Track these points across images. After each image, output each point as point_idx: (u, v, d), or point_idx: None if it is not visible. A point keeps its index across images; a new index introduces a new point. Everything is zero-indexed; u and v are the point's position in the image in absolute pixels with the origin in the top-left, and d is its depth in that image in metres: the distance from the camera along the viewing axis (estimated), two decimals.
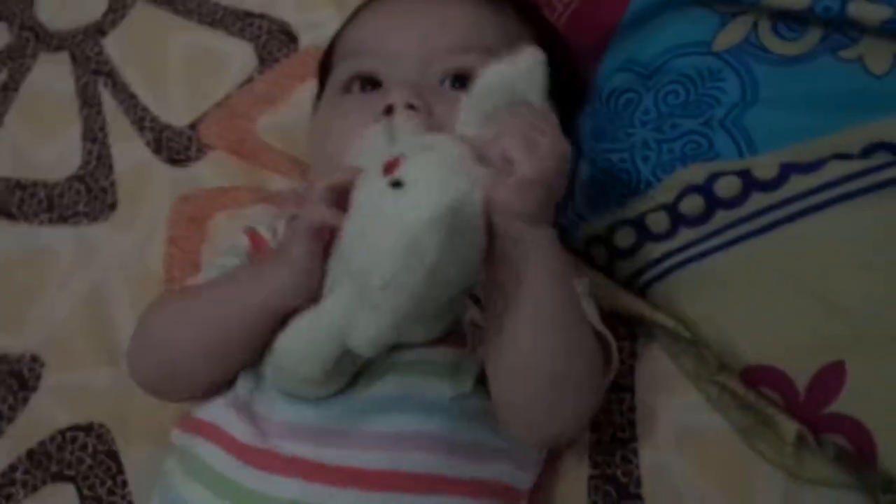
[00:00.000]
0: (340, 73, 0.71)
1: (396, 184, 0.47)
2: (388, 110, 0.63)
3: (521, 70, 0.53)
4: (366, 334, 0.49)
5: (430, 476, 0.56)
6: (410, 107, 0.62)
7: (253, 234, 0.69)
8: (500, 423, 0.58)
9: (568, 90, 0.73)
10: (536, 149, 0.51)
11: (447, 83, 0.66)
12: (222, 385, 0.61)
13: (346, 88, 0.69)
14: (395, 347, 0.56)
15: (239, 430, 0.57)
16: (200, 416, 0.61)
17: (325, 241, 0.54)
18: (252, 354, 0.59)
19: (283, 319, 0.55)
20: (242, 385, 0.60)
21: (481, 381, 0.58)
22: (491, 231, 0.51)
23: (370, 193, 0.49)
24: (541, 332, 0.54)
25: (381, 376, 0.57)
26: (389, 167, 0.49)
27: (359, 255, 0.48)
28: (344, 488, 0.54)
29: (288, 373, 0.54)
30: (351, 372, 0.56)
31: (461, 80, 0.65)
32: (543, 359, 0.55)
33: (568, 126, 0.69)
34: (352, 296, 0.49)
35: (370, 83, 0.68)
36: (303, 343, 0.52)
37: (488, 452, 0.59)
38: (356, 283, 0.49)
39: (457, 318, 0.57)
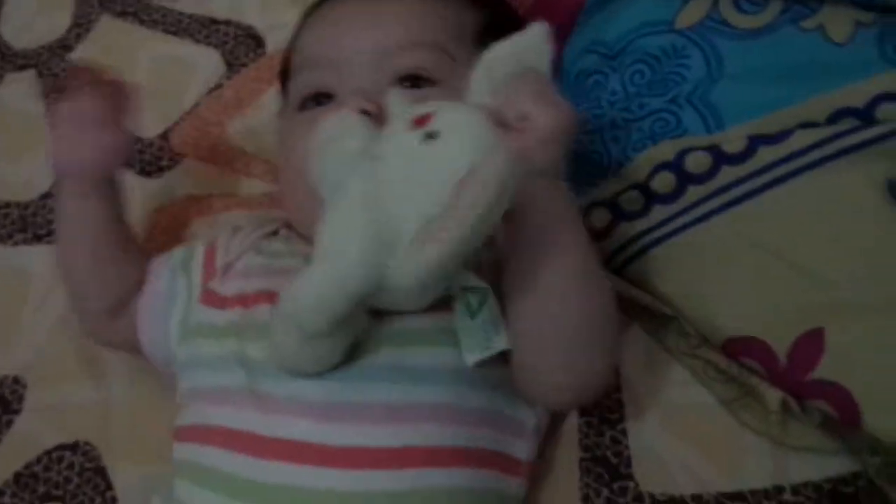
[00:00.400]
0: (296, 88, 0.71)
1: (430, 135, 0.49)
2: None
3: (528, 42, 0.54)
4: (411, 269, 0.49)
5: (436, 449, 0.56)
6: (365, 112, 0.61)
7: (209, 251, 0.70)
8: (520, 386, 0.59)
9: None
10: (551, 102, 0.51)
11: (398, 85, 0.65)
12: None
13: (303, 106, 0.69)
14: (386, 316, 0.57)
15: (241, 420, 0.57)
16: (195, 422, 0.61)
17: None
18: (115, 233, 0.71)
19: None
20: (234, 375, 0.59)
21: None
22: None
23: (399, 146, 0.51)
24: (570, 285, 0.55)
25: (376, 348, 0.57)
26: (420, 121, 0.50)
27: (395, 204, 0.50)
28: (353, 470, 0.54)
29: (296, 323, 0.52)
30: (350, 338, 0.55)
31: (412, 80, 0.65)
32: (574, 313, 0.56)
33: None
34: (374, 241, 0.50)
35: (324, 97, 0.68)
36: (315, 291, 0.51)
37: (490, 419, 0.59)
38: (385, 230, 0.50)
39: (446, 286, 0.57)
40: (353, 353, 0.56)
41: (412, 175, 0.49)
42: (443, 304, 0.57)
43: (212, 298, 0.66)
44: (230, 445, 0.57)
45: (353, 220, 0.51)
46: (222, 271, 0.68)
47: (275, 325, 0.54)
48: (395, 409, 0.56)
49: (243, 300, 0.63)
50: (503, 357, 0.57)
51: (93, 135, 0.69)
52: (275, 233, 0.72)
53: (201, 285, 0.68)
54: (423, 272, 0.49)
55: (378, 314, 0.56)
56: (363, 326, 0.55)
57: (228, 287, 0.65)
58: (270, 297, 0.61)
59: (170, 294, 0.69)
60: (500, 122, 0.51)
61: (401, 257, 0.49)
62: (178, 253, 0.71)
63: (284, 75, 0.76)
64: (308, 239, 0.66)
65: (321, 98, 0.68)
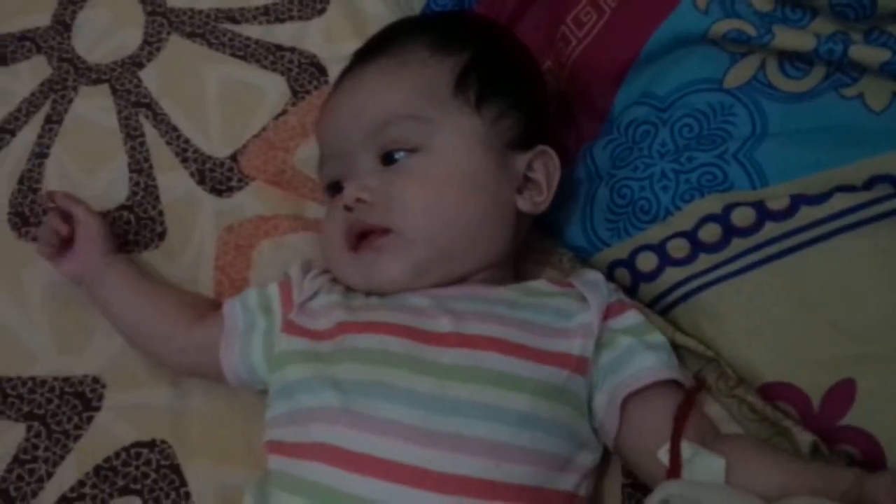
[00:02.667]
0: (321, 176, 0.81)
1: None
2: (347, 208, 0.73)
3: None
4: None
5: (522, 487, 0.62)
6: (360, 200, 0.72)
7: (284, 286, 0.77)
8: None
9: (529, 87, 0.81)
10: None
11: (380, 164, 0.74)
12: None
13: (328, 191, 0.79)
14: (487, 353, 0.64)
15: (336, 436, 0.63)
16: (293, 439, 0.66)
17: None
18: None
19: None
20: (326, 396, 0.65)
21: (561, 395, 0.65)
22: None
23: None
24: None
25: (469, 383, 0.63)
26: None
27: None
28: (444, 495, 0.60)
29: None
30: None
31: (387, 158, 0.73)
32: None
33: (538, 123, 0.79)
34: None
35: (337, 187, 0.77)
36: None
37: (564, 464, 0.65)
38: None
39: None
40: (449, 382, 0.62)
41: None
42: (544, 357, 0.64)
43: (294, 329, 0.72)
44: (328, 460, 0.62)
45: None
46: (300, 306, 0.74)
47: None
48: (479, 443, 0.61)
49: (330, 333, 0.69)
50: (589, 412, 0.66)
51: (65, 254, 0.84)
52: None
53: (282, 318, 0.74)
54: None
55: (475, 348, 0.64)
56: None
57: (312, 322, 0.72)
58: (357, 327, 0.68)
59: (247, 329, 0.76)
60: None
61: None
62: (252, 294, 0.78)
63: None
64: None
65: (336, 186, 0.77)
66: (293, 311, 0.74)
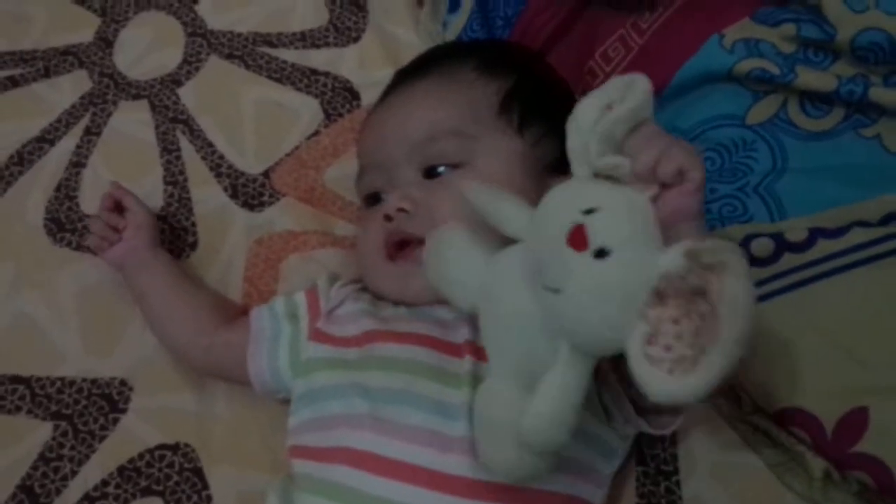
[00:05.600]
0: (359, 189, 0.83)
1: (600, 253, 0.47)
2: (388, 218, 0.74)
3: (643, 97, 0.52)
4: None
5: (546, 493, 0.63)
6: (402, 210, 0.73)
7: (311, 294, 0.79)
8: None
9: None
10: (693, 151, 0.54)
11: (422, 177, 0.76)
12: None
13: (365, 203, 0.81)
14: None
15: (364, 441, 0.65)
16: (319, 444, 0.68)
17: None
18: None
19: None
20: (354, 402, 0.67)
21: None
22: None
23: (574, 274, 0.48)
24: None
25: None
26: (577, 239, 0.48)
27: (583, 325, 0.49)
28: (465, 499, 0.61)
29: (531, 440, 0.52)
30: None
31: (430, 172, 0.75)
32: None
33: None
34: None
35: (376, 198, 0.79)
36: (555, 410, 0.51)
37: (584, 472, 0.67)
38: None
39: None
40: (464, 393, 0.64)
41: (597, 298, 0.48)
42: None
43: (322, 337, 0.74)
44: (354, 464, 0.64)
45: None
46: (327, 314, 0.76)
47: (487, 438, 0.55)
48: None
49: (357, 341, 0.71)
50: (605, 414, 0.66)
51: (114, 244, 0.86)
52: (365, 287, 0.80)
53: (309, 326, 0.76)
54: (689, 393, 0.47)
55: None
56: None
57: (339, 330, 0.74)
58: (385, 336, 0.70)
59: (274, 336, 0.77)
60: (658, 181, 0.52)
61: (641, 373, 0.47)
62: (279, 302, 0.80)
63: None
64: (375, 295, 0.77)
65: (375, 198, 0.79)
66: (320, 319, 0.76)
